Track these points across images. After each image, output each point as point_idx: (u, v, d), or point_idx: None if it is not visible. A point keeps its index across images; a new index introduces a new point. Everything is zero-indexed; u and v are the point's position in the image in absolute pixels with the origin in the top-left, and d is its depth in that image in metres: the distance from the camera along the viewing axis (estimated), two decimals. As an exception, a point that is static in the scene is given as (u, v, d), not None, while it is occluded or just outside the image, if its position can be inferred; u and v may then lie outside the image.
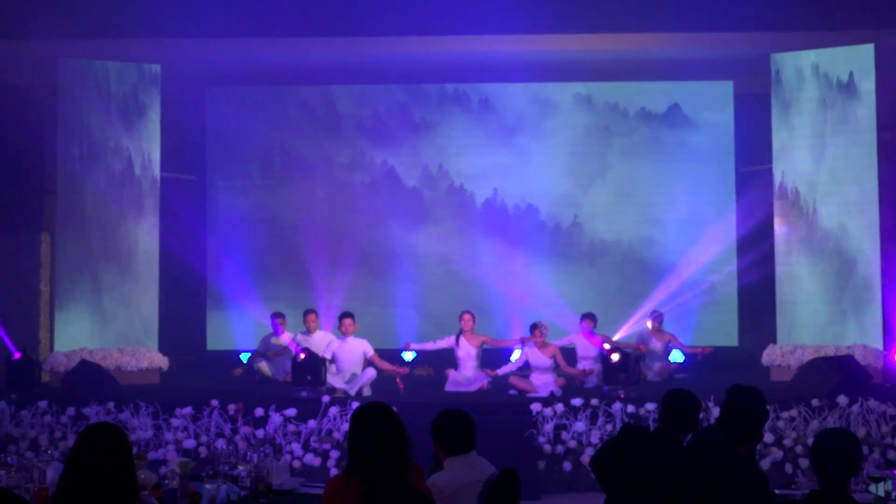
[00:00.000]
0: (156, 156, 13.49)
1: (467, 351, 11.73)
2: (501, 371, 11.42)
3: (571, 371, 11.62)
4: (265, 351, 12.84)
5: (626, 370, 10.53)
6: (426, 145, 14.95)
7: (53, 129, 13.11)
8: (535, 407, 9.94)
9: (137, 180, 13.33)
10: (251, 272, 14.68)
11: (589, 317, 12.33)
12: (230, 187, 14.99)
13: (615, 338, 13.01)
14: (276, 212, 14.93)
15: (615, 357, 10.58)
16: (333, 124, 15.04)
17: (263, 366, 12.71)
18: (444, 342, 11.94)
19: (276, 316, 12.95)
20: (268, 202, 14.98)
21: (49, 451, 6.48)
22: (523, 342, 11.74)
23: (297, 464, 9.67)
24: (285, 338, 12.72)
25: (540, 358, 11.32)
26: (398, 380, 11.31)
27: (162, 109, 13.62)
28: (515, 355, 12.22)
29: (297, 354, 10.87)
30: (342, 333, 11.53)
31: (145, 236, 13.37)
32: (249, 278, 14.66)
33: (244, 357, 13.24)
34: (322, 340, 11.85)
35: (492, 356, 12.37)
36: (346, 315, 11.54)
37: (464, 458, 4.85)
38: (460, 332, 11.81)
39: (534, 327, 11.46)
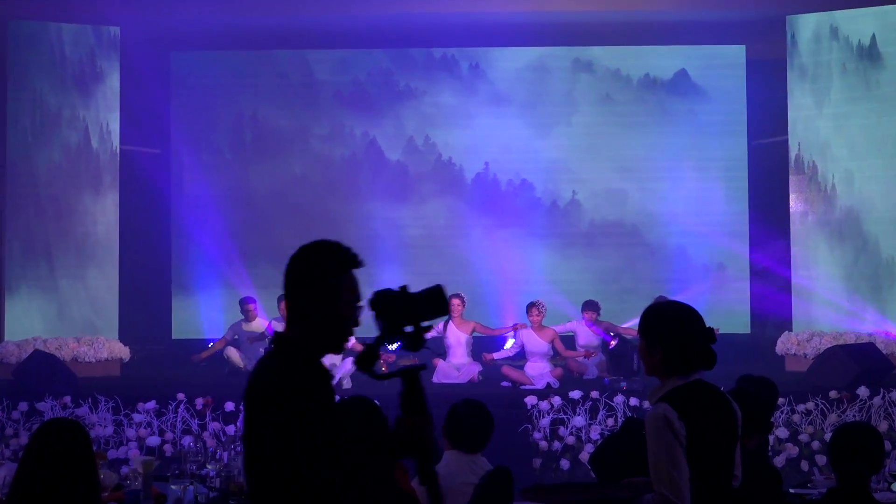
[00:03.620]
0: (115, 127, 13.43)
1: (457, 338, 11.74)
2: (498, 356, 11.42)
3: (571, 354, 11.64)
4: (234, 338, 12.83)
5: (629, 360, 10.56)
6: (411, 115, 14.91)
7: (2, 98, 13.03)
8: (531, 400, 9.97)
9: (95, 154, 13.27)
10: (220, 254, 14.64)
11: (591, 306, 12.28)
12: (197, 162, 14.93)
13: (625, 326, 13.02)
14: (248, 188, 14.89)
15: (614, 343, 10.62)
16: (310, 93, 14.99)
17: (234, 355, 12.70)
18: (433, 331, 11.86)
19: (248, 301, 12.95)
20: (238, 178, 14.93)
21: (-1, 450, 6.48)
22: (516, 330, 11.75)
23: (271, 462, 9.67)
24: (261, 322, 12.72)
25: (537, 342, 11.33)
26: (384, 368, 11.28)
27: (121, 76, 13.55)
28: (510, 343, 12.24)
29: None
30: None
31: (104, 215, 13.32)
32: (218, 261, 14.62)
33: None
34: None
35: (484, 344, 12.38)
36: None
37: (468, 458, 4.86)
38: (448, 318, 11.79)
39: (531, 306, 11.47)
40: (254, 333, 12.72)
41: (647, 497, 3.61)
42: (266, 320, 12.67)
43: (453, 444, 4.88)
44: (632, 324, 13.34)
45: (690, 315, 3.80)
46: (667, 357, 3.74)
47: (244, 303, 12.97)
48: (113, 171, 13.41)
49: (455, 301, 11.79)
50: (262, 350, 11.79)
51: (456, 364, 11.65)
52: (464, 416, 4.89)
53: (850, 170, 12.89)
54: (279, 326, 11.91)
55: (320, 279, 3.13)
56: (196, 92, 14.94)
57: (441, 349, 11.92)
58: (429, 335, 11.86)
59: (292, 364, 3.04)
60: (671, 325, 3.77)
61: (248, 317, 12.89)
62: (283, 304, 12.48)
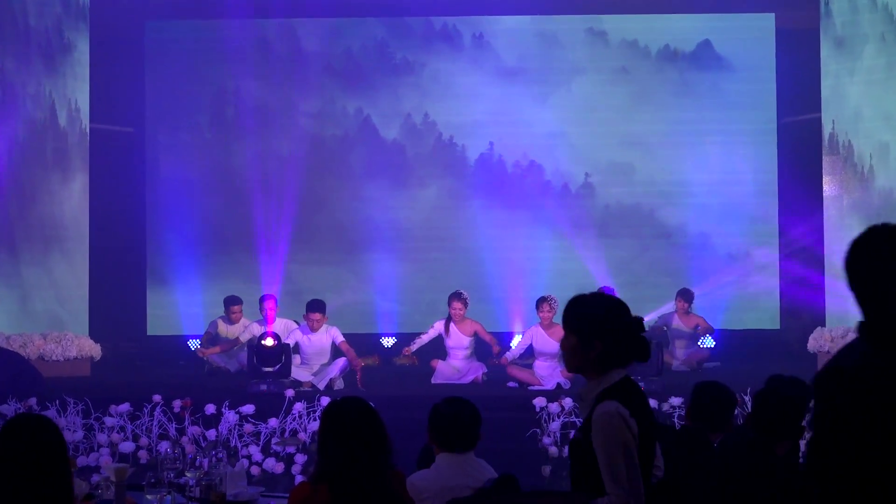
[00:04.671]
0: (84, 103, 13.42)
1: (458, 340, 11.72)
2: (510, 355, 11.41)
3: None
4: (211, 339, 12.80)
5: (652, 358, 10.56)
6: (409, 91, 14.90)
7: (-39, 71, 13.04)
8: (539, 402, 9.97)
9: (63, 133, 13.26)
10: (199, 244, 14.65)
11: (605, 293, 12.43)
12: (174, 142, 14.93)
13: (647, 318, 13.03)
14: (230, 170, 14.89)
15: None
16: (298, 66, 14.97)
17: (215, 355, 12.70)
18: (433, 332, 11.84)
19: (232, 302, 12.87)
20: (219, 160, 14.93)
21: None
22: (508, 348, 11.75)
23: (255, 470, 9.69)
24: (238, 329, 12.59)
25: (546, 341, 11.33)
26: (358, 371, 11.19)
27: (91, 48, 13.53)
28: (516, 340, 12.24)
29: (262, 337, 10.81)
30: (308, 329, 11.47)
31: (72, 199, 13.32)
32: (197, 251, 14.63)
33: (193, 345, 13.25)
34: (282, 330, 11.81)
35: (487, 348, 12.29)
36: (314, 308, 11.42)
37: (458, 458, 4.88)
38: (450, 318, 11.77)
39: (541, 301, 11.46)
40: (226, 341, 12.60)
41: (600, 501, 3.63)
42: (244, 325, 12.52)
43: (442, 446, 4.90)
44: (653, 315, 13.38)
45: (621, 304, 3.87)
46: (608, 350, 3.77)
47: (230, 303, 12.86)
48: (82, 151, 13.39)
49: (457, 304, 11.71)
50: (242, 351, 11.77)
51: (457, 366, 11.65)
52: (446, 414, 4.92)
53: (890, 150, 12.87)
54: (260, 331, 11.79)
55: None
56: (173, 65, 14.93)
57: (441, 350, 11.91)
58: (428, 336, 11.84)
59: None
60: (609, 316, 3.81)
61: (232, 319, 12.81)
62: (267, 304, 12.42)
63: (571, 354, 3.85)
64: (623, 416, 3.67)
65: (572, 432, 9.78)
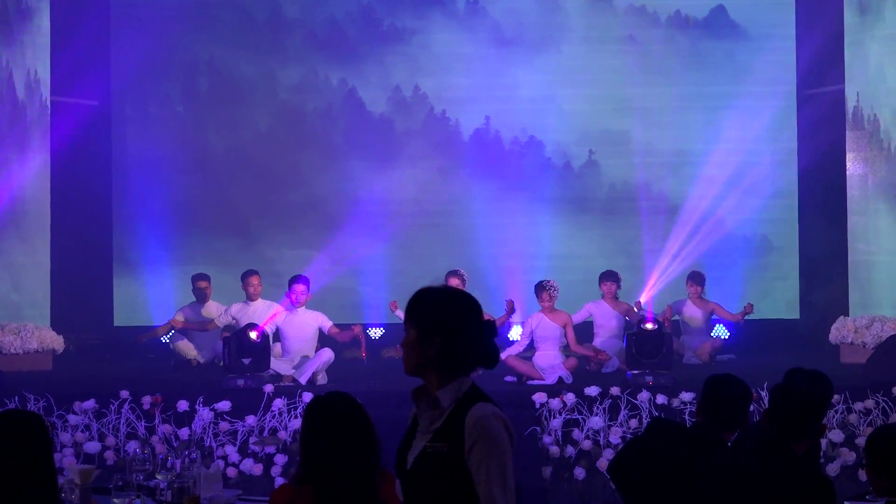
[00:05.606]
0: (45, 74, 13.38)
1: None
2: (505, 354, 11.41)
3: (582, 350, 11.66)
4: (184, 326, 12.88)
5: (656, 349, 10.58)
6: (397, 61, 14.88)
7: None
8: (539, 397, 9.98)
9: (21, 106, 13.21)
10: (170, 227, 14.63)
11: (610, 278, 12.45)
12: (143, 116, 14.89)
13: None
14: (204, 148, 14.87)
15: (648, 327, 10.63)
16: (277, 34, 14.94)
17: (184, 345, 12.71)
18: None
19: (199, 279, 12.96)
20: (191, 136, 14.90)
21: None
22: (512, 312, 11.72)
23: (231, 471, 9.71)
24: (213, 307, 12.69)
25: (548, 327, 11.32)
26: (360, 338, 11.29)
27: (52, 15, 13.48)
28: (516, 331, 12.24)
29: (249, 327, 10.82)
30: (291, 303, 11.50)
31: (32, 178, 13.28)
32: (168, 235, 14.61)
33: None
34: (265, 312, 11.85)
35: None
36: (297, 280, 11.51)
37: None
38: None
39: (540, 289, 11.47)
40: (204, 320, 12.69)
41: None
42: (217, 304, 12.68)
43: None
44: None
45: (471, 303, 3.78)
46: (448, 349, 3.68)
47: (197, 280, 12.97)
48: (43, 126, 13.36)
49: (454, 280, 11.80)
50: (218, 342, 11.80)
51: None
52: None
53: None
54: (241, 311, 11.89)
55: None
56: (141, 33, 14.87)
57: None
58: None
59: None
60: (455, 313, 3.74)
61: (200, 297, 12.90)
62: (251, 281, 12.51)
63: (409, 350, 3.75)
64: (504, 421, 3.62)
65: (575, 431, 9.83)
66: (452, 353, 3.69)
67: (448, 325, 3.70)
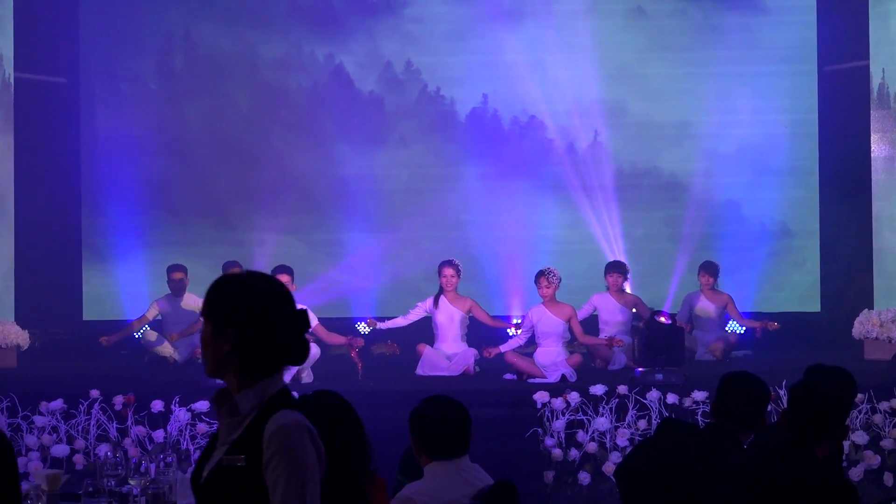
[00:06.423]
0: (8, 50, 13.35)
1: (449, 315, 11.73)
2: (504, 347, 11.41)
3: (591, 340, 11.66)
4: (157, 317, 12.86)
5: (667, 345, 10.59)
6: (388, 35, 14.87)
7: None
8: (541, 397, 9.99)
9: (-17, 84, 13.21)
10: (143, 213, 14.63)
11: (616, 269, 12.46)
12: (113, 94, 14.88)
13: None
14: (179, 128, 14.86)
15: (662, 321, 10.65)
16: (259, 6, 14.93)
17: (156, 339, 12.71)
18: (420, 310, 11.90)
19: (175, 270, 12.96)
20: (166, 116, 14.89)
21: None
22: (518, 327, 11.79)
23: (211, 477, 9.71)
24: (192, 300, 12.69)
25: (550, 320, 11.31)
26: (354, 355, 11.27)
27: (16, -16, 13.46)
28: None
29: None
30: None
31: (-5, 163, 13.29)
32: (141, 222, 14.61)
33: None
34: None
35: (482, 334, 12.31)
36: (281, 270, 11.49)
37: (452, 465, 4.91)
38: (440, 292, 11.79)
39: (539, 276, 11.45)
40: (187, 319, 12.68)
41: None
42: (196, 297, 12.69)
43: (430, 455, 4.93)
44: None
45: (277, 290, 3.51)
46: (244, 345, 3.43)
47: (173, 271, 12.97)
48: (5, 105, 13.33)
49: (448, 270, 11.76)
50: (196, 336, 11.80)
51: (446, 352, 11.66)
52: (430, 417, 4.94)
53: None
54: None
55: None
56: (112, 6, 14.86)
57: (428, 333, 11.93)
58: (406, 319, 11.98)
59: None
60: (254, 302, 3.46)
61: (176, 289, 12.90)
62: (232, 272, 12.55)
63: (204, 347, 3.52)
64: (310, 431, 3.40)
65: (579, 432, 9.84)
66: (251, 350, 3.43)
67: (243, 315, 3.42)
